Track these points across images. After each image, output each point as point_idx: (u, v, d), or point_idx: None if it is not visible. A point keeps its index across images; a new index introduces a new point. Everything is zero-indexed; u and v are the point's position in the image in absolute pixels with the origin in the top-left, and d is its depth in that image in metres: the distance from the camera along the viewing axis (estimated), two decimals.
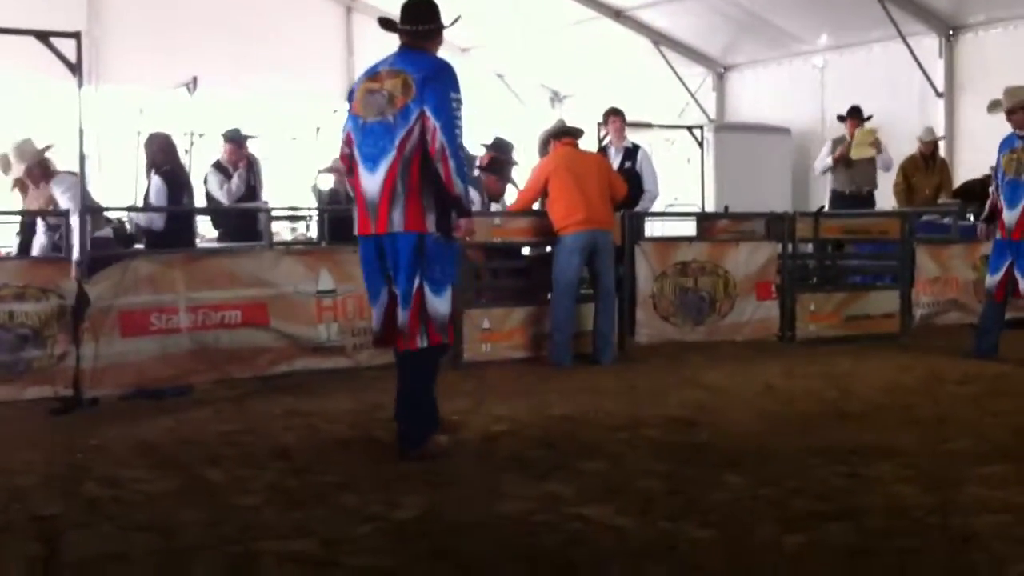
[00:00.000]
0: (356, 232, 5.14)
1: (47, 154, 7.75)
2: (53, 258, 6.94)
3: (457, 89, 5.01)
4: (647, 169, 9.77)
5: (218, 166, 9.73)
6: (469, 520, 4.00)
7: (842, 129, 11.89)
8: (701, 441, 5.39)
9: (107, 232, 7.86)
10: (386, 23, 5.23)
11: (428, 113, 4.89)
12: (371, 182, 4.98)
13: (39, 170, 7.67)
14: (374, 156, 4.98)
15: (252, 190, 9.74)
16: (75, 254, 6.55)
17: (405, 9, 5.24)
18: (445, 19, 5.22)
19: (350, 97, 5.26)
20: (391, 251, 4.99)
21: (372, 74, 5.15)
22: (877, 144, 11.65)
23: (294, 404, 6.38)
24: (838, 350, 8.59)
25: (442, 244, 5.01)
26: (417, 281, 4.95)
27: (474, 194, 8.48)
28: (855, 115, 11.76)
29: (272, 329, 7.13)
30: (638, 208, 9.34)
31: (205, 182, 9.71)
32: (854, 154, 11.61)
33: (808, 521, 3.94)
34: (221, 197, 9.54)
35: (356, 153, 5.08)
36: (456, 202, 4.98)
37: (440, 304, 5.02)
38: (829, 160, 11.77)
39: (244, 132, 9.90)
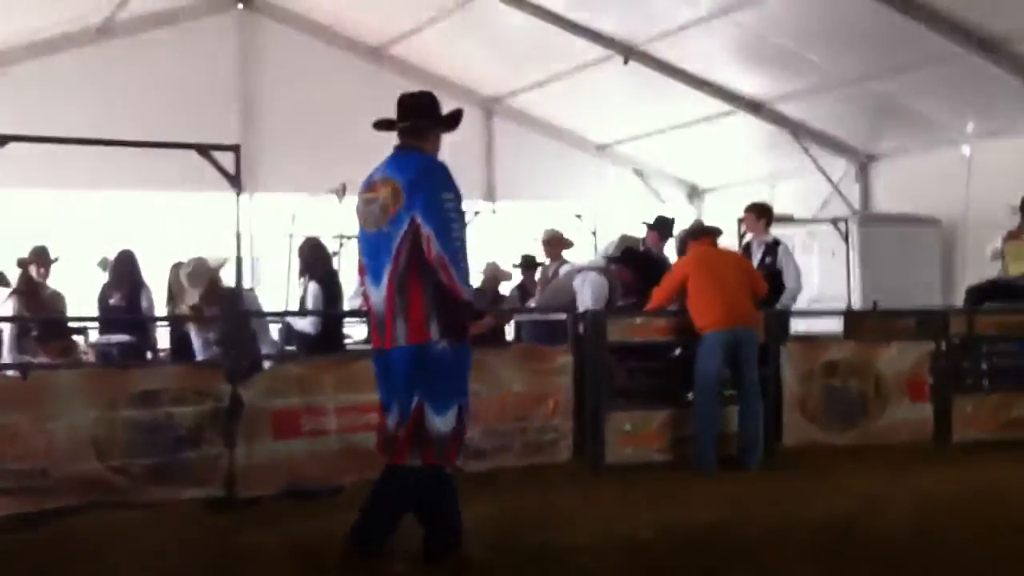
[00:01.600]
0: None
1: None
2: (209, 362, 7.22)
3: (449, 188, 4.77)
4: (788, 265, 9.56)
5: None
6: None
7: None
8: (854, 550, 5.19)
9: None
10: (382, 124, 5.05)
11: (419, 220, 4.66)
12: (376, 296, 4.83)
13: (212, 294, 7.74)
14: (376, 269, 4.82)
15: None
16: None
17: (398, 104, 5.04)
18: (444, 112, 5.03)
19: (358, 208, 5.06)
20: (390, 366, 4.81)
21: (369, 183, 4.95)
22: None
23: None
24: (998, 456, 8.18)
25: (449, 354, 4.72)
26: (416, 398, 4.71)
27: (601, 282, 8.54)
28: None
29: None
30: (778, 305, 9.17)
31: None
32: (1012, 271, 11.09)
33: None
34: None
35: (365, 265, 4.96)
36: (466, 308, 4.78)
37: (441, 423, 4.72)
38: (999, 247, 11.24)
39: None
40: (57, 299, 8.76)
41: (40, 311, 8.48)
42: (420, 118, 4.97)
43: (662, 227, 9.72)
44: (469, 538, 5.58)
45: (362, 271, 5.01)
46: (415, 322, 4.68)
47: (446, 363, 4.71)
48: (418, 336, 4.68)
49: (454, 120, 5.08)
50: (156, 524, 6.05)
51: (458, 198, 4.80)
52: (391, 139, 5.06)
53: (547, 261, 10.71)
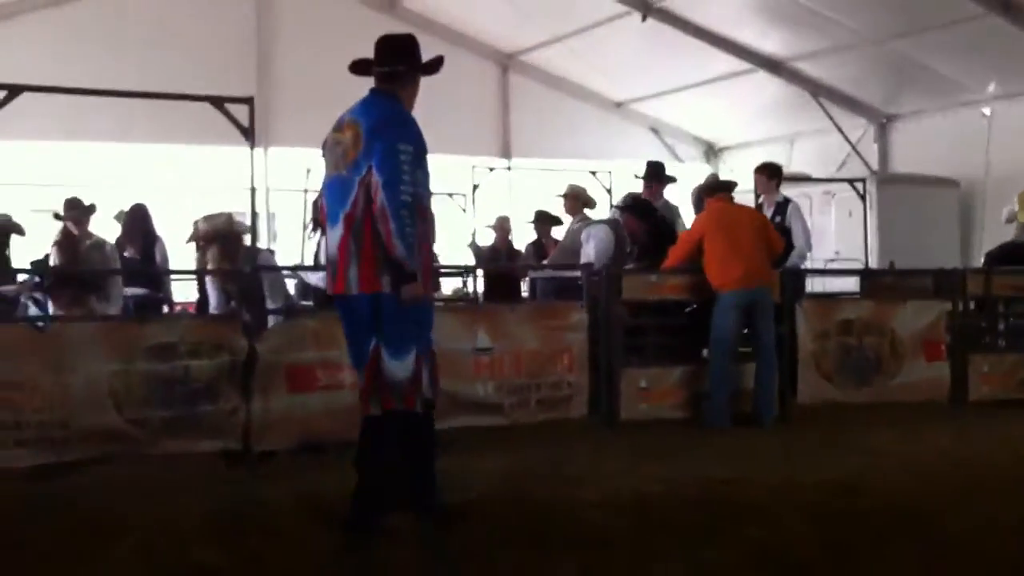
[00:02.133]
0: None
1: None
2: (225, 315, 7.26)
3: (409, 140, 4.62)
4: (797, 224, 9.45)
5: None
6: None
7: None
8: (864, 508, 5.20)
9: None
10: (358, 66, 4.89)
11: (373, 168, 4.57)
12: (332, 238, 4.76)
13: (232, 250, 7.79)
14: (334, 213, 4.73)
15: None
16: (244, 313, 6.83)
17: (377, 46, 4.87)
18: (424, 58, 4.88)
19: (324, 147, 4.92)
20: (349, 311, 4.79)
21: (339, 124, 4.83)
22: None
23: (451, 461, 6.44)
24: (1013, 413, 8.18)
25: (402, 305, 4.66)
26: (373, 343, 4.69)
27: (606, 237, 8.49)
28: None
29: None
30: (787, 265, 9.10)
31: None
32: (1021, 219, 11.05)
33: None
34: None
35: (325, 207, 4.86)
36: (398, 265, 4.60)
37: (398, 368, 4.69)
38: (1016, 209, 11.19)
39: None
40: (96, 250, 8.55)
41: (75, 263, 8.32)
42: (399, 62, 4.80)
43: (653, 174, 9.54)
44: (480, 491, 5.66)
45: (323, 214, 4.94)
46: (367, 271, 4.62)
47: (401, 311, 4.65)
48: (370, 285, 4.63)
49: (433, 67, 4.92)
50: (172, 476, 6.12)
51: (419, 153, 4.64)
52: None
53: (567, 217, 10.66)
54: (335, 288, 4.75)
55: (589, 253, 8.52)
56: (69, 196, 8.75)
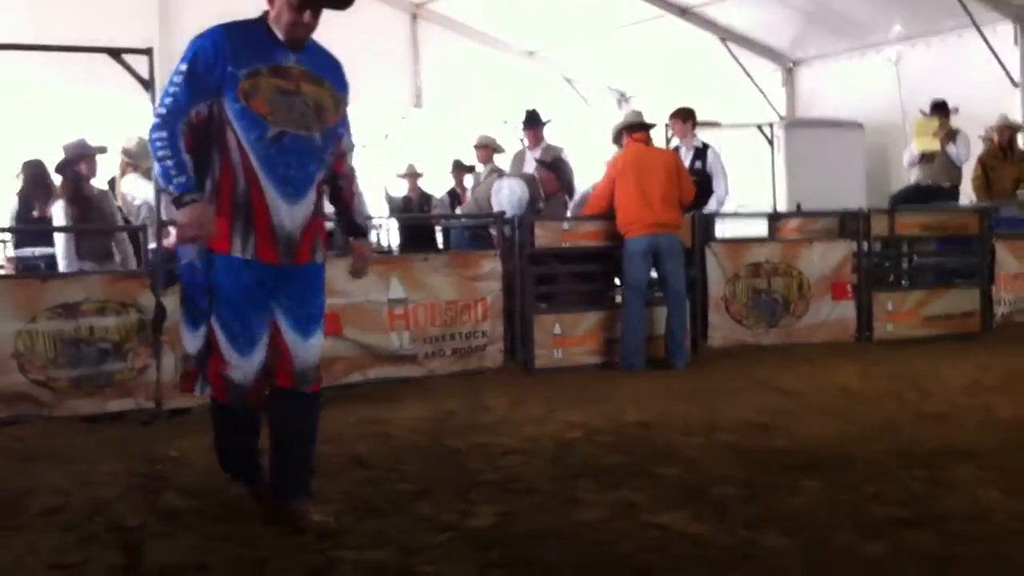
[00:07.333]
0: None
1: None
2: (131, 272, 7.09)
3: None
4: (717, 170, 9.64)
5: None
6: (545, 528, 3.99)
7: None
8: (777, 446, 5.32)
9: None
10: None
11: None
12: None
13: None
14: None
15: None
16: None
17: None
18: None
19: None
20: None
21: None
22: (949, 135, 11.31)
23: (368, 413, 6.44)
24: (917, 350, 8.43)
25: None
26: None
27: (519, 189, 8.54)
28: (938, 110, 11.47)
29: (345, 338, 7.20)
30: (706, 210, 9.23)
31: None
32: (917, 147, 11.37)
33: (888, 527, 3.87)
34: None
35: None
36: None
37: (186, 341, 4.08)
38: (915, 152, 11.52)
39: None
40: (105, 199, 7.94)
41: (89, 215, 7.71)
42: None
43: (530, 121, 9.80)
44: (398, 441, 5.65)
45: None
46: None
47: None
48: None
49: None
50: (84, 437, 6.00)
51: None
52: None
53: (480, 166, 10.65)
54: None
55: (503, 203, 8.52)
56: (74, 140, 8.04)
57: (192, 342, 4.01)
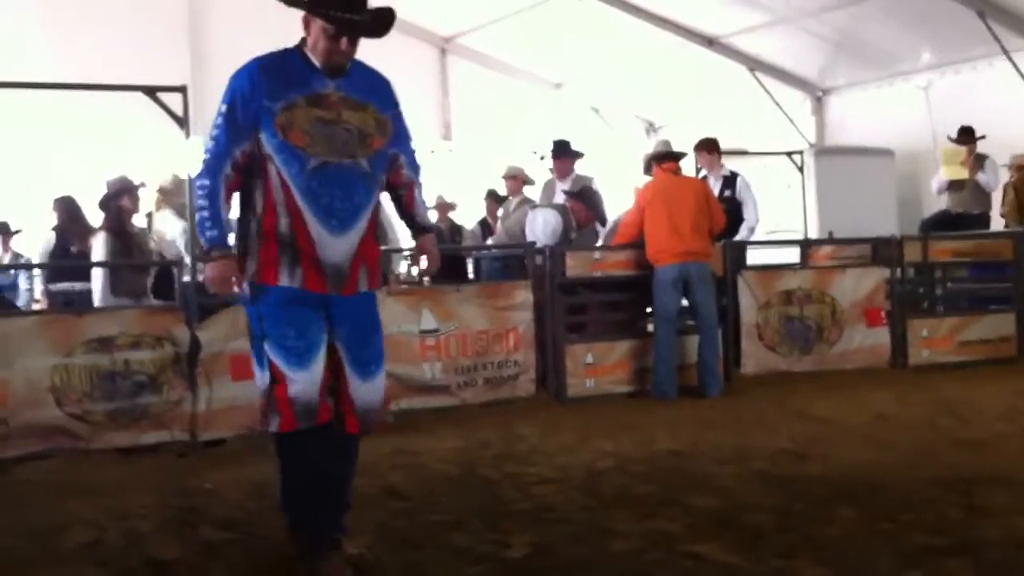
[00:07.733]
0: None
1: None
2: (166, 306, 7.16)
3: None
4: (747, 198, 9.63)
5: None
6: (579, 559, 3.98)
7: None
8: (812, 474, 5.28)
9: None
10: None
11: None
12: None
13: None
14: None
15: None
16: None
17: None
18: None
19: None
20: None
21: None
22: (977, 161, 11.27)
23: (401, 443, 6.44)
24: (952, 376, 8.35)
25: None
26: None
27: (554, 220, 8.54)
28: (965, 135, 11.43)
29: None
30: (737, 238, 9.21)
31: None
32: (945, 175, 11.31)
33: (925, 556, 3.83)
34: None
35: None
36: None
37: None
38: (944, 179, 11.48)
39: None
40: (144, 238, 8.07)
41: (130, 251, 7.82)
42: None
43: (560, 151, 9.61)
44: (432, 471, 5.66)
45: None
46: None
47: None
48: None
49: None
50: (119, 470, 6.05)
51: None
52: None
53: (509, 197, 10.68)
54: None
55: (537, 233, 8.53)
56: (119, 176, 8.15)
57: (261, 378, 3.86)
